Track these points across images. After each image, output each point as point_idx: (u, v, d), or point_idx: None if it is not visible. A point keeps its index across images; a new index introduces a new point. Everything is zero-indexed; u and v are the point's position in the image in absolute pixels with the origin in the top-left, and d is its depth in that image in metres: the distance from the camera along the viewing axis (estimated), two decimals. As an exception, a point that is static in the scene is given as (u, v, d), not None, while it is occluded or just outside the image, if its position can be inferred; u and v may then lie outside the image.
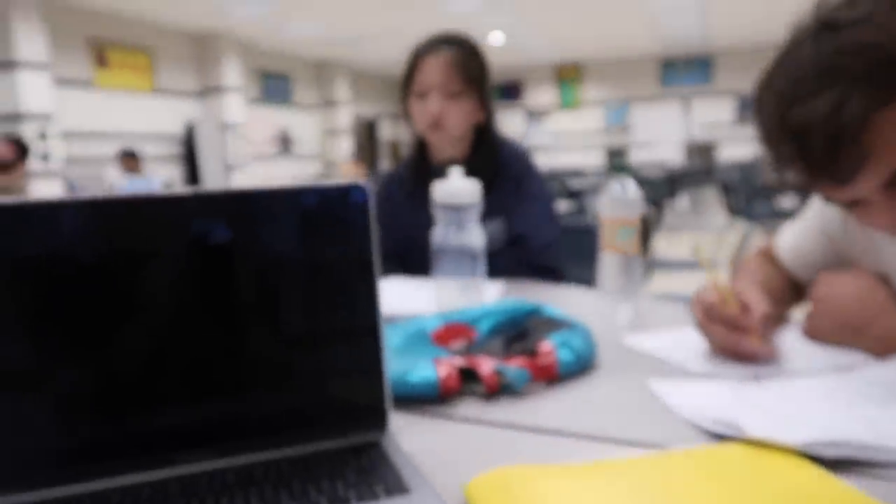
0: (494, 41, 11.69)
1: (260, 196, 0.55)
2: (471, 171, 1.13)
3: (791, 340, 0.84)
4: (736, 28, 11.94)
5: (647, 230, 2.72)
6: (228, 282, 0.54)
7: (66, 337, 0.50)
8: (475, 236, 1.01)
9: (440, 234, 1.01)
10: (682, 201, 8.99)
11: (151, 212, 0.52)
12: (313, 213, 0.57)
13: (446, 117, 1.38)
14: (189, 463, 0.53)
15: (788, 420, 0.57)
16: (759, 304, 0.78)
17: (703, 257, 0.86)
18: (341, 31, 10.76)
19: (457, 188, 0.99)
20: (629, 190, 1.05)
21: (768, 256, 1.06)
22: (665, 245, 6.51)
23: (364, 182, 0.59)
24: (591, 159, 14.22)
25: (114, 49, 9.16)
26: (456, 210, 0.99)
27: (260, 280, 0.55)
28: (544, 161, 13.83)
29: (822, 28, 0.64)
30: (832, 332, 0.79)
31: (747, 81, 13.76)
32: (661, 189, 6.79)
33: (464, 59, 1.38)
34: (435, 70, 1.37)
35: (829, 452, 0.51)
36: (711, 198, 9.90)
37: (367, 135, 15.53)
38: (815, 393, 0.64)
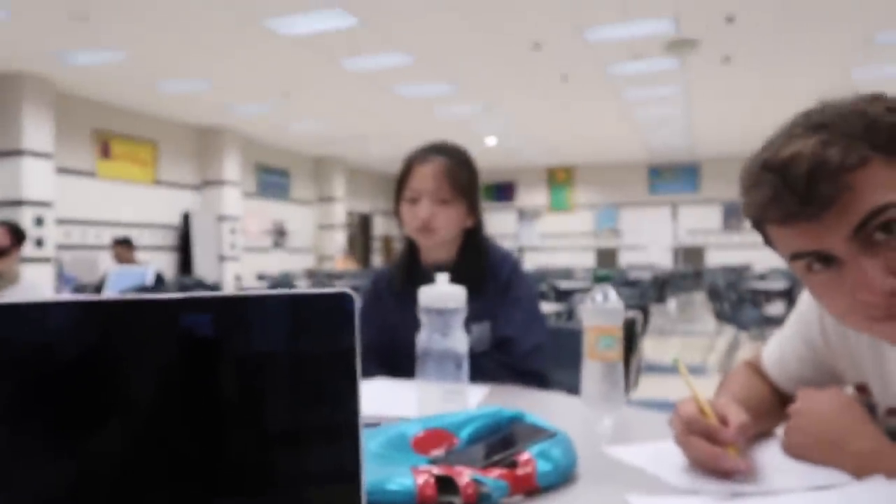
0: (488, 144, 12.12)
1: (247, 301, 0.57)
2: (459, 273, 1.16)
3: (772, 457, 0.84)
4: (721, 139, 12.46)
5: (633, 335, 2.73)
6: (210, 386, 0.55)
7: (44, 436, 0.50)
8: (459, 341, 1.03)
9: (425, 337, 1.02)
10: (671, 305, 9.05)
11: (138, 312, 0.54)
12: (299, 320, 0.58)
13: (436, 222, 1.43)
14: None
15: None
16: (737, 417, 0.79)
17: (682, 370, 0.87)
18: (340, 129, 11.16)
19: (443, 293, 1.02)
20: (610, 298, 1.08)
21: (754, 369, 1.07)
22: (653, 349, 6.50)
23: (350, 290, 0.61)
24: (581, 261, 14.43)
25: (118, 141, 9.43)
26: (441, 314, 1.01)
27: (242, 384, 0.56)
28: (536, 261, 14.01)
29: (806, 112, 0.72)
30: (810, 447, 0.79)
31: (732, 191, 14.19)
32: (649, 292, 6.87)
33: (454, 167, 1.45)
34: (426, 177, 1.43)
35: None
36: (700, 303, 9.98)
37: (360, 229, 15.77)
38: (791, 512, 0.64)
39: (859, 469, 0.73)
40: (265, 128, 10.96)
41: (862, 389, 0.90)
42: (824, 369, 0.96)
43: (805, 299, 0.96)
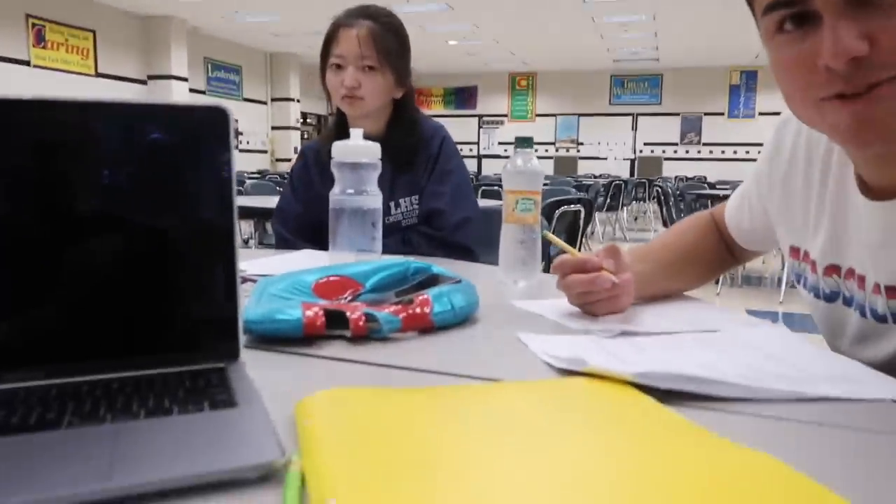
0: (450, 44, 11.74)
1: (115, 107, 0.54)
2: (388, 146, 1.12)
3: (666, 309, 0.86)
4: (686, 49, 12.31)
5: (576, 228, 2.76)
6: (72, 199, 0.52)
7: None
8: (373, 198, 1.01)
9: (337, 193, 1.00)
10: (624, 214, 9.20)
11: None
12: (169, 132, 0.55)
13: (361, 91, 1.37)
14: (15, 382, 0.50)
15: (631, 358, 0.58)
16: (605, 246, 0.81)
17: (549, 236, 0.89)
18: (294, 24, 10.64)
19: (356, 147, 0.99)
20: (530, 163, 1.06)
21: (699, 222, 1.03)
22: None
23: (225, 105, 0.57)
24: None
25: (53, 27, 8.84)
26: (354, 169, 0.98)
27: (106, 199, 0.53)
28: (496, 168, 13.96)
29: None
30: None
31: (693, 104, 14.20)
32: (600, 196, 6.94)
33: (382, 32, 1.38)
34: (351, 42, 1.36)
35: (661, 384, 0.52)
36: (653, 212, 10.17)
37: (317, 131, 15.38)
38: (668, 343, 0.66)
39: None
40: (214, 19, 10.38)
41: (796, 251, 0.85)
42: (765, 231, 0.92)
43: (762, 154, 0.90)
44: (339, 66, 1.38)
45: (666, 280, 0.92)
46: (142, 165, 0.55)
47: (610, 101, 15.10)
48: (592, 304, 0.79)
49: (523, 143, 1.08)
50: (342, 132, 1.48)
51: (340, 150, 0.99)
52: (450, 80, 15.45)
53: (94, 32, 9.41)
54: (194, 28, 10.74)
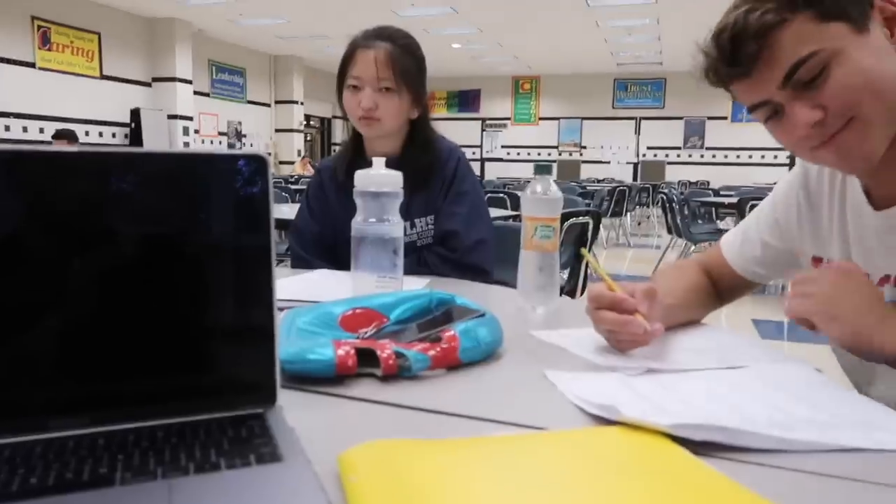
0: (453, 47, 11.76)
1: (155, 158, 0.55)
2: (403, 166, 1.13)
3: (691, 341, 0.87)
4: (690, 53, 12.29)
5: (583, 241, 2.77)
6: (115, 247, 0.53)
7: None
8: (395, 226, 1.02)
9: (360, 221, 1.01)
10: (627, 219, 9.20)
11: (40, 169, 0.51)
12: (209, 180, 0.56)
13: (379, 112, 1.38)
14: (61, 429, 0.51)
15: (664, 405, 0.59)
16: (642, 286, 0.82)
17: (588, 257, 0.89)
18: (298, 27, 10.66)
19: (378, 176, 1.00)
20: (550, 189, 1.07)
21: (692, 263, 1.11)
22: (608, 261, 6.65)
23: (264, 153, 0.58)
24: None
25: (58, 29, 8.86)
26: (377, 198, 0.99)
27: (147, 248, 0.54)
28: (498, 172, 13.96)
29: None
30: (812, 310, 0.75)
31: (696, 107, 14.20)
32: (605, 203, 6.95)
33: (399, 54, 1.39)
34: (369, 64, 1.37)
35: (696, 436, 0.52)
36: (657, 217, 10.17)
37: (320, 133, 15.41)
38: (697, 384, 0.67)
39: (855, 335, 0.72)
40: (219, 22, 10.40)
41: (818, 261, 0.96)
42: (785, 253, 1.02)
43: (780, 187, 1.04)
44: (356, 87, 1.39)
45: (684, 313, 0.94)
46: (184, 214, 0.56)
47: (613, 104, 15.10)
48: (620, 342, 0.80)
49: (542, 170, 1.10)
50: (358, 152, 1.50)
51: (363, 180, 1.00)
52: (453, 84, 15.46)
53: (98, 34, 9.42)
54: (199, 30, 10.76)
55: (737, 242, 1.08)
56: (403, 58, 1.39)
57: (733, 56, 0.79)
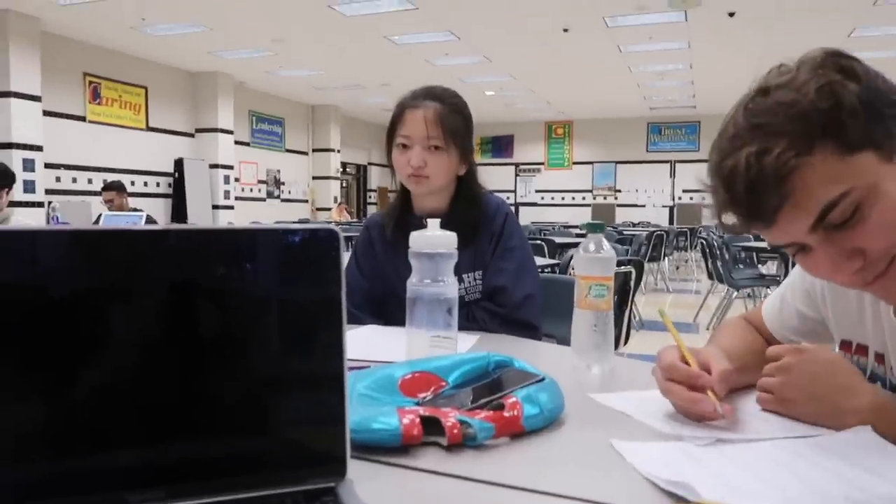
0: (486, 94, 11.95)
1: (230, 235, 0.56)
2: (451, 222, 1.14)
3: (757, 406, 0.84)
4: (724, 96, 12.31)
5: (626, 290, 2.74)
6: (192, 320, 0.55)
7: (25, 368, 0.49)
8: (450, 287, 1.02)
9: (415, 282, 1.01)
10: (666, 263, 9.08)
11: (119, 245, 0.52)
12: (282, 255, 0.57)
13: (427, 170, 1.40)
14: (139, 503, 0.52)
15: (741, 486, 0.57)
16: (719, 364, 0.79)
17: (666, 319, 0.87)
18: (335, 78, 10.96)
19: (433, 238, 1.01)
20: (603, 248, 1.07)
21: (747, 322, 1.08)
22: (648, 307, 6.55)
23: (335, 227, 0.60)
24: (578, 217, 14.44)
25: (108, 84, 9.25)
26: (431, 259, 1.00)
27: (224, 320, 0.55)
28: (533, 216, 13.98)
29: (756, 93, 0.72)
30: (801, 402, 0.78)
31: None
32: (643, 249, 6.88)
33: (447, 113, 1.41)
34: (418, 123, 1.40)
35: (779, 519, 0.51)
36: (695, 261, 10.03)
37: (356, 180, 15.67)
38: (771, 459, 0.65)
39: (858, 423, 0.72)
40: (259, 74, 10.76)
41: (847, 346, 0.91)
42: (820, 324, 0.97)
43: None
44: (405, 146, 1.42)
45: (750, 376, 0.92)
46: (260, 288, 0.57)
47: (647, 147, 15.09)
48: (687, 414, 0.78)
49: (595, 228, 1.09)
50: (406, 208, 1.52)
51: (418, 241, 1.01)
52: (486, 130, 15.66)
53: (146, 88, 9.81)
54: (240, 83, 11.14)
55: (776, 309, 1.04)
56: (451, 117, 1.42)
57: (752, 208, 0.70)
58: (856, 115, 0.66)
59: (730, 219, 0.74)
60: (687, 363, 0.80)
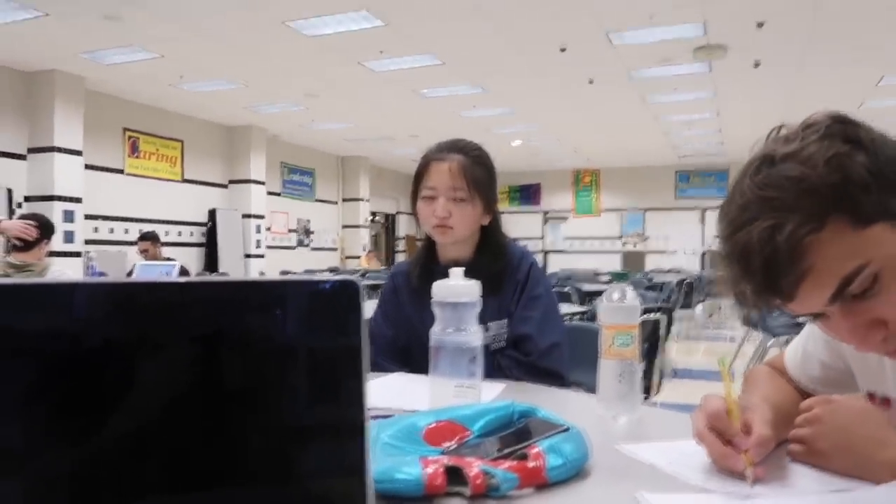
0: (514, 145, 12.08)
1: (251, 287, 0.58)
2: (476, 271, 1.15)
3: (790, 460, 0.82)
4: (751, 144, 12.23)
5: (657, 338, 2.70)
6: (216, 373, 0.56)
7: (57, 415, 0.51)
8: (473, 335, 1.03)
9: (438, 331, 1.02)
10: (698, 310, 8.93)
11: (144, 298, 0.54)
12: (304, 306, 0.58)
13: (452, 220, 1.43)
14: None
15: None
16: (761, 428, 0.77)
17: (725, 369, 0.85)
18: (366, 130, 11.21)
19: (456, 287, 1.02)
20: (627, 297, 1.07)
21: (777, 370, 1.06)
22: (680, 355, 6.42)
23: (356, 278, 0.61)
24: (608, 265, 14.33)
25: (146, 139, 9.58)
26: (455, 308, 1.01)
27: (248, 370, 0.56)
28: (561, 264, 13.92)
29: (762, 161, 0.71)
30: (832, 455, 0.76)
31: (761, 195, 13.94)
32: (674, 296, 6.78)
33: (471, 165, 1.44)
34: (443, 175, 1.43)
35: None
36: (728, 308, 9.83)
37: (385, 229, 15.82)
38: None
39: (891, 477, 0.70)
40: (291, 127, 11.05)
41: (872, 397, 0.89)
42: (843, 373, 0.95)
43: None
44: (431, 198, 1.45)
45: (785, 430, 0.89)
46: (282, 339, 0.58)
47: (675, 195, 15.03)
48: (715, 463, 0.77)
49: (620, 277, 1.09)
50: (431, 257, 1.54)
51: (441, 290, 1.02)
52: (514, 178, 15.77)
53: (182, 142, 10.13)
54: (274, 136, 11.44)
55: (798, 357, 1.02)
56: (475, 168, 1.44)
57: (769, 285, 0.69)
58: (867, 189, 0.65)
59: (746, 292, 0.72)
60: (730, 415, 0.78)
